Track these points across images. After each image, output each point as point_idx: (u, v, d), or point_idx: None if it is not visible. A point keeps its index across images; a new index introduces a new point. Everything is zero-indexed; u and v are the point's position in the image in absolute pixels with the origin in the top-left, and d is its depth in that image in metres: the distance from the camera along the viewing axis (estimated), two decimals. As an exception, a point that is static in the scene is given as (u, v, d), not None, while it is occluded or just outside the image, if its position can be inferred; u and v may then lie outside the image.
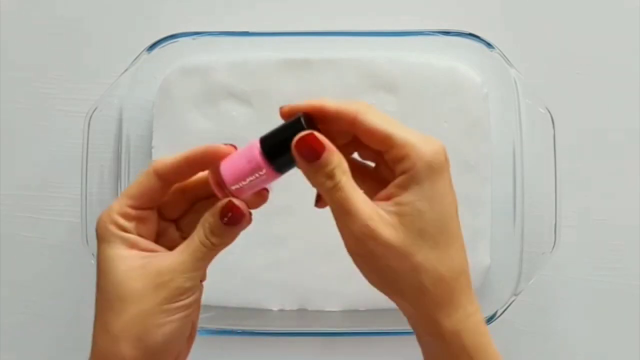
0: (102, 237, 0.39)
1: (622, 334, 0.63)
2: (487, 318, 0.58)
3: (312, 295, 0.61)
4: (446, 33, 0.60)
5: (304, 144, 0.37)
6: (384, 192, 0.38)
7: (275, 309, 0.61)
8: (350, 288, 0.60)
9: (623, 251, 0.63)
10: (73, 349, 0.63)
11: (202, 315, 0.61)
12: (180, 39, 0.60)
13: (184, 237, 0.41)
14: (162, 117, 0.61)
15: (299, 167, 0.38)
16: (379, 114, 0.37)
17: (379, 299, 0.47)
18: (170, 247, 0.41)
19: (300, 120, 0.38)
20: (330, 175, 0.37)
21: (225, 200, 0.39)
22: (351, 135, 0.39)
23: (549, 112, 0.58)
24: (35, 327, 0.64)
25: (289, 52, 0.61)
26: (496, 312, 0.58)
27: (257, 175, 0.39)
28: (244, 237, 0.60)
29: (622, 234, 0.63)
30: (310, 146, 0.37)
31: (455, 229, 0.38)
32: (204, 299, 0.60)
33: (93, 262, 0.58)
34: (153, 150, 0.61)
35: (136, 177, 0.40)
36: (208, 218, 0.39)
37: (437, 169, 0.37)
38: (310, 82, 0.60)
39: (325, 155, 0.37)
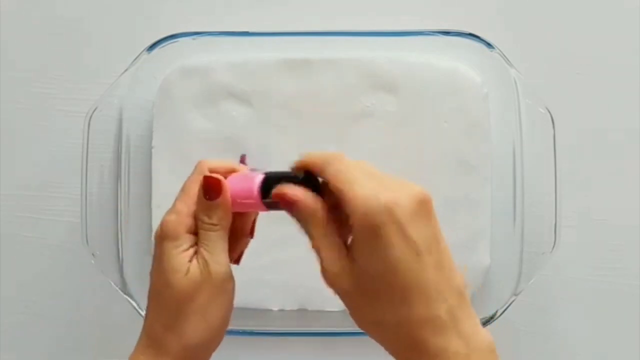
0: (172, 239, 0.42)
1: (622, 334, 0.63)
2: (487, 318, 0.58)
3: (312, 295, 0.60)
4: (446, 33, 0.60)
5: (278, 196, 0.41)
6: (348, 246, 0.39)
7: (275, 309, 0.61)
8: (350, 288, 0.60)
9: (623, 251, 0.63)
10: (73, 349, 0.63)
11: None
12: (180, 39, 0.60)
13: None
14: (162, 117, 0.61)
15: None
16: (344, 166, 0.38)
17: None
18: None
19: (296, 175, 0.41)
20: (304, 224, 0.40)
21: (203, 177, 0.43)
22: None
23: (549, 112, 0.58)
24: (35, 327, 0.64)
25: (289, 52, 0.61)
26: (496, 312, 0.58)
27: (249, 200, 0.43)
28: (244, 237, 0.60)
29: (622, 234, 0.63)
30: (284, 199, 0.40)
31: (402, 281, 0.36)
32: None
33: (93, 262, 0.58)
34: (153, 150, 0.61)
35: (189, 177, 0.44)
36: (198, 205, 0.43)
37: (370, 227, 0.36)
38: (310, 82, 0.60)
39: (297, 207, 0.40)
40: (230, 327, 0.60)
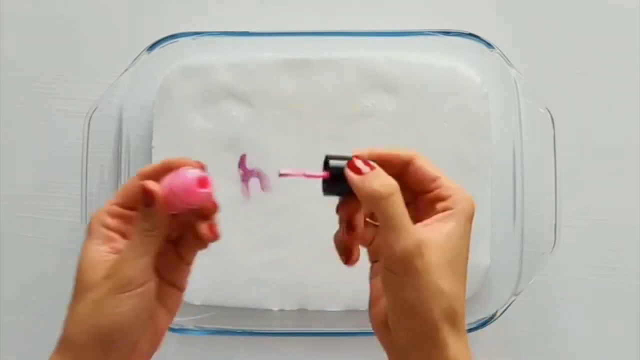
0: (87, 232, 0.43)
1: (622, 334, 0.63)
2: (487, 318, 0.58)
3: (312, 295, 0.61)
4: (446, 33, 0.60)
5: (353, 163, 0.42)
6: (422, 223, 0.41)
7: (275, 309, 0.61)
8: (350, 288, 0.60)
9: (623, 251, 0.63)
10: (73, 349, 0.63)
11: (202, 316, 0.61)
12: (180, 39, 0.60)
13: (180, 257, 0.45)
14: (162, 117, 0.61)
15: (350, 182, 0.41)
16: (428, 161, 0.43)
17: (379, 299, 0.47)
18: (169, 267, 0.45)
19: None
20: (385, 186, 0.40)
21: (140, 183, 0.42)
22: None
23: (549, 112, 0.58)
24: (35, 327, 0.64)
25: (289, 52, 0.61)
26: (496, 312, 0.58)
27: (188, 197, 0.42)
28: (244, 237, 0.60)
29: (622, 234, 0.63)
30: (360, 165, 0.41)
31: (465, 269, 0.42)
32: (205, 299, 0.61)
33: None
34: (153, 150, 0.61)
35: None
36: (138, 208, 0.42)
37: (469, 215, 0.42)
38: (310, 82, 0.60)
39: (377, 169, 0.41)
40: (230, 327, 0.61)
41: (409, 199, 0.43)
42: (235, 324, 0.61)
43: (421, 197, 0.43)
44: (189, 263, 0.46)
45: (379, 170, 0.40)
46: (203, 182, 0.41)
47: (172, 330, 0.59)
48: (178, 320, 0.60)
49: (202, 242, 0.44)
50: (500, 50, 0.59)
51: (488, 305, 0.59)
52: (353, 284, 0.60)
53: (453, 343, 0.40)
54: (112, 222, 0.43)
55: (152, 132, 0.61)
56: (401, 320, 0.40)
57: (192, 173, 0.41)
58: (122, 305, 0.41)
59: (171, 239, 0.45)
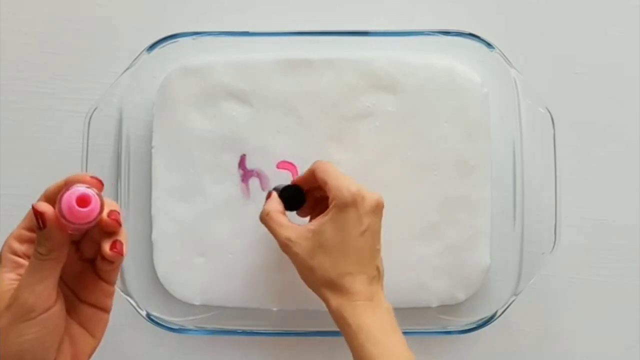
0: None
1: (622, 334, 0.63)
2: (487, 318, 0.58)
3: (312, 295, 0.60)
4: (446, 33, 0.60)
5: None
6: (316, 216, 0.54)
7: (275, 309, 0.61)
8: (350, 288, 0.60)
9: (623, 251, 0.63)
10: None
11: (202, 316, 0.61)
12: (180, 39, 0.60)
13: (82, 259, 0.44)
14: (162, 117, 0.61)
15: None
16: (327, 168, 0.54)
17: (379, 299, 0.47)
18: (88, 288, 0.44)
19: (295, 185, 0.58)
20: (264, 210, 0.55)
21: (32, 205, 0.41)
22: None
23: (549, 112, 0.58)
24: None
25: (289, 52, 0.61)
26: (496, 312, 0.58)
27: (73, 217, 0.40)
28: (244, 237, 0.60)
29: (622, 234, 0.63)
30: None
31: (354, 246, 0.52)
32: (204, 299, 0.61)
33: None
34: (153, 150, 0.61)
35: None
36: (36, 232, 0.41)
37: (343, 204, 0.52)
38: (310, 82, 0.60)
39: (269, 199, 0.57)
40: (230, 327, 0.61)
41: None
42: (235, 324, 0.61)
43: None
44: (109, 283, 0.44)
45: (271, 199, 0.56)
46: (83, 200, 0.39)
47: (172, 330, 0.59)
48: (178, 320, 0.60)
49: (106, 261, 0.42)
50: (500, 50, 0.59)
51: (488, 305, 0.59)
52: (353, 284, 0.60)
53: (333, 299, 0.52)
54: (20, 247, 0.42)
55: (152, 132, 0.61)
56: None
57: (74, 191, 0.39)
58: (25, 334, 0.40)
59: (86, 259, 0.44)
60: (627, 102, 0.63)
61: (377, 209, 0.53)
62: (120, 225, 0.42)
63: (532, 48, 0.63)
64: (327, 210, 0.53)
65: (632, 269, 0.63)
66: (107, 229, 0.41)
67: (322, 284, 0.52)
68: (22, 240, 0.42)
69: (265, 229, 0.55)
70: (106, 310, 0.44)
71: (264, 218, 0.55)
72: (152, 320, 0.59)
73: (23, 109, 0.64)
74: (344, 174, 0.53)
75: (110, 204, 0.42)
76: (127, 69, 0.59)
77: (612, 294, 0.63)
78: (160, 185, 0.61)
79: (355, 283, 0.52)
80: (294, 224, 0.54)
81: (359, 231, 0.52)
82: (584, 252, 0.63)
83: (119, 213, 0.42)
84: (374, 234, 0.53)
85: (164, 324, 0.59)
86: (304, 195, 0.56)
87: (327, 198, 0.53)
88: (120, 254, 0.41)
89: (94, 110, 0.59)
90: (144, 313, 0.59)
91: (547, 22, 0.64)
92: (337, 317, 0.52)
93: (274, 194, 0.56)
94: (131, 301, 0.58)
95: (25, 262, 0.42)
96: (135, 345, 0.63)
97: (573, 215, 0.62)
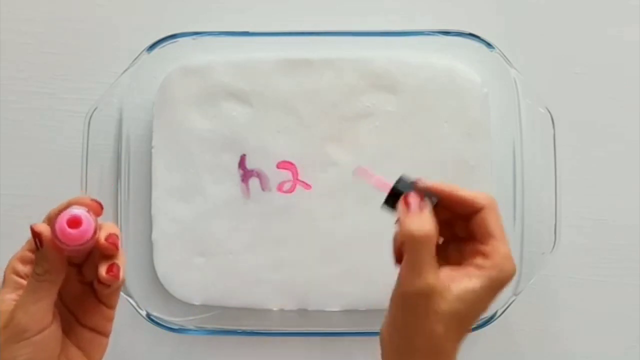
0: (2, 281, 0.42)
1: (622, 334, 0.63)
2: (487, 318, 0.58)
3: (312, 295, 0.61)
4: (446, 33, 0.60)
5: (407, 197, 0.42)
6: (452, 267, 0.42)
7: (275, 309, 0.61)
8: (350, 288, 0.60)
9: (623, 251, 0.63)
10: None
11: (202, 316, 0.61)
12: (180, 39, 0.60)
13: (83, 282, 0.44)
14: (162, 117, 0.61)
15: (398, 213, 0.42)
16: (496, 216, 0.43)
17: (379, 299, 0.47)
18: (87, 311, 0.44)
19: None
20: (422, 230, 0.41)
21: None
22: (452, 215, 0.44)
23: (549, 112, 0.58)
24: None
25: (289, 52, 0.61)
26: (496, 312, 0.58)
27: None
28: (244, 237, 0.60)
29: (622, 234, 0.63)
30: (410, 201, 0.42)
31: (471, 325, 0.42)
32: (204, 299, 0.61)
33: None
34: (153, 150, 0.61)
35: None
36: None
37: (499, 284, 0.41)
38: (310, 82, 0.60)
39: (425, 211, 0.42)
40: (230, 327, 0.61)
41: (463, 233, 0.44)
42: (235, 324, 0.61)
43: (470, 242, 0.43)
44: (110, 307, 0.44)
45: (424, 213, 0.41)
46: (74, 222, 0.40)
47: (172, 330, 0.59)
48: (178, 320, 0.60)
49: (103, 284, 0.42)
50: (500, 50, 0.59)
51: (488, 305, 0.59)
52: (353, 284, 0.60)
53: None
54: (23, 268, 0.42)
55: (152, 132, 0.61)
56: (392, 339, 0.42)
57: (66, 213, 0.40)
58: (18, 355, 0.40)
59: (88, 282, 0.44)
60: (627, 102, 0.63)
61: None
62: (117, 249, 0.41)
63: (532, 48, 0.63)
64: (478, 274, 0.41)
65: (632, 269, 0.63)
66: (105, 252, 0.41)
67: (429, 353, 0.41)
68: (24, 261, 0.42)
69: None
70: (105, 334, 0.44)
71: (415, 241, 0.40)
72: (152, 320, 0.59)
73: (23, 109, 0.64)
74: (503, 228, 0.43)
75: (109, 227, 0.42)
76: (127, 69, 0.59)
77: (612, 294, 0.63)
78: (160, 185, 0.61)
79: None
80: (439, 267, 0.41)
81: (483, 311, 0.42)
82: (584, 252, 0.63)
83: (117, 237, 0.42)
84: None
85: (164, 324, 0.59)
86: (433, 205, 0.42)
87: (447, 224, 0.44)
88: (116, 278, 0.41)
89: (94, 110, 0.59)
90: (144, 313, 0.59)
91: (547, 22, 0.64)
92: None
93: (427, 206, 0.42)
94: (131, 301, 0.58)
95: (25, 282, 0.42)
96: (135, 345, 0.63)
97: (573, 215, 0.62)
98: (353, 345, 0.62)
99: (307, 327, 0.60)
